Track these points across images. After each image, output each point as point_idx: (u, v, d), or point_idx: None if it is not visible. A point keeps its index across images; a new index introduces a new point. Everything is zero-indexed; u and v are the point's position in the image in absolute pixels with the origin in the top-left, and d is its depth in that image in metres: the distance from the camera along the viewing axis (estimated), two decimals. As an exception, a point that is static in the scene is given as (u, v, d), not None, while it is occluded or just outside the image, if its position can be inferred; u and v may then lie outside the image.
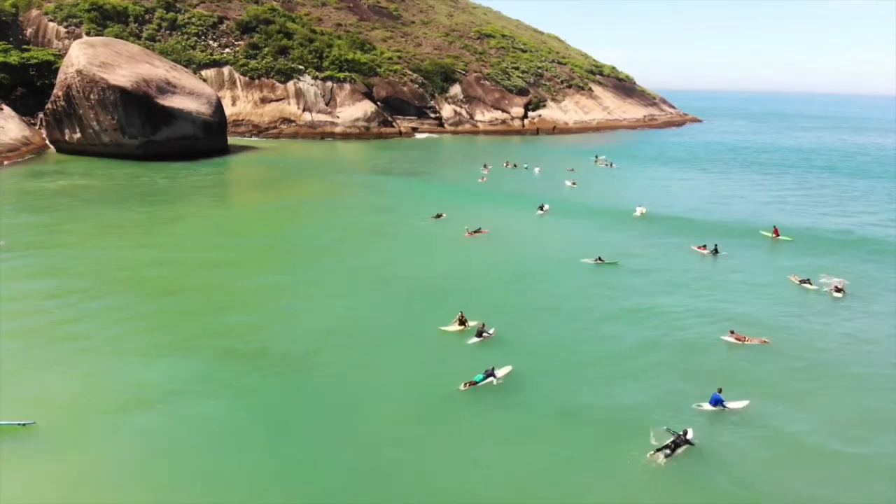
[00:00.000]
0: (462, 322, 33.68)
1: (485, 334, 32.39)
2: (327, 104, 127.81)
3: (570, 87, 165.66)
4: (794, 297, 40.52)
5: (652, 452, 23.02)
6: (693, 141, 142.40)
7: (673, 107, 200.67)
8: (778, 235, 54.41)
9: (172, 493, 20.80)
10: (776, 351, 32.08)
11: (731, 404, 26.12)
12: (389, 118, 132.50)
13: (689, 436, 23.56)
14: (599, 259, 45.68)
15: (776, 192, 77.75)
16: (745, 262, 47.54)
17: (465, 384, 27.52)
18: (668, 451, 22.92)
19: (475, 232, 54.41)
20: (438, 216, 59.13)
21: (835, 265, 46.36)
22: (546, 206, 63.09)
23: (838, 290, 41.05)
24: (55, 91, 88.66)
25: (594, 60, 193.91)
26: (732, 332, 33.09)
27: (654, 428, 24.21)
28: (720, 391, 26.45)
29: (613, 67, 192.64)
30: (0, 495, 20.24)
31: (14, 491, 20.56)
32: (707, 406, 26.19)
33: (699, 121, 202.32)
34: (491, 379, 27.95)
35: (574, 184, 79.68)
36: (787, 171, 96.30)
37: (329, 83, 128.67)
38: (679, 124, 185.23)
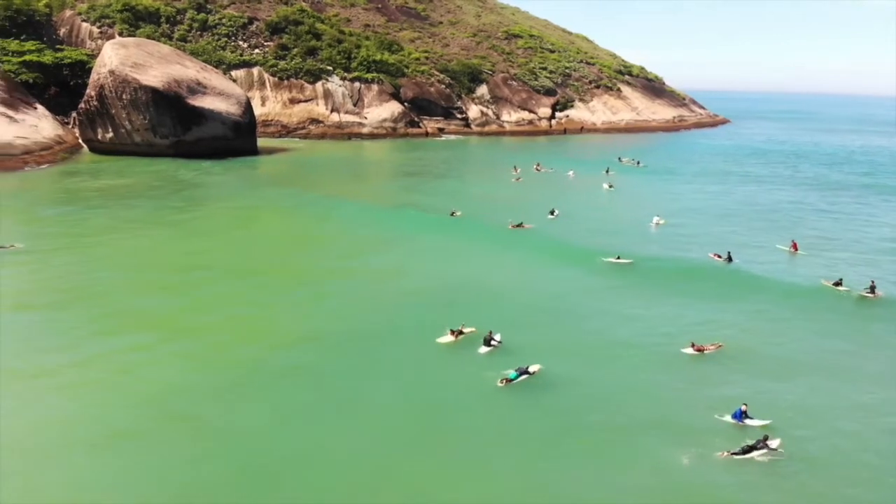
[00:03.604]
0: (456, 333, 32.89)
1: (493, 342, 32.03)
2: (355, 105, 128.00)
3: (598, 87, 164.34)
4: (819, 302, 40.11)
5: (723, 453, 23.65)
6: (725, 144, 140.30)
7: (703, 108, 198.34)
8: (797, 250, 52.16)
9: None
10: (788, 361, 31.81)
11: (750, 422, 25.69)
12: (416, 119, 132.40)
13: (773, 443, 23.87)
14: (618, 258, 47.25)
15: (803, 206, 72.81)
16: (763, 271, 46.78)
17: (502, 381, 28.25)
18: (739, 453, 23.56)
19: (517, 226, 56.78)
20: (453, 214, 60.87)
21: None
22: (556, 212, 62.52)
23: (871, 291, 40.77)
24: (88, 91, 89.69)
25: (623, 60, 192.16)
26: (693, 344, 32.45)
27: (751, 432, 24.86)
28: (745, 406, 26.09)
29: (642, 68, 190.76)
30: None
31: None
32: (728, 418, 26.06)
33: (728, 122, 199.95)
34: (525, 376, 28.75)
35: (611, 186, 79.37)
36: (821, 181, 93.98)
37: (357, 84, 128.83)
38: (709, 126, 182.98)
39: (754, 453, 23.54)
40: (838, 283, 42.09)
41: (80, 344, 31.27)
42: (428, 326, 33.58)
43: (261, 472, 21.98)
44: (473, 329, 33.24)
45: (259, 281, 41.25)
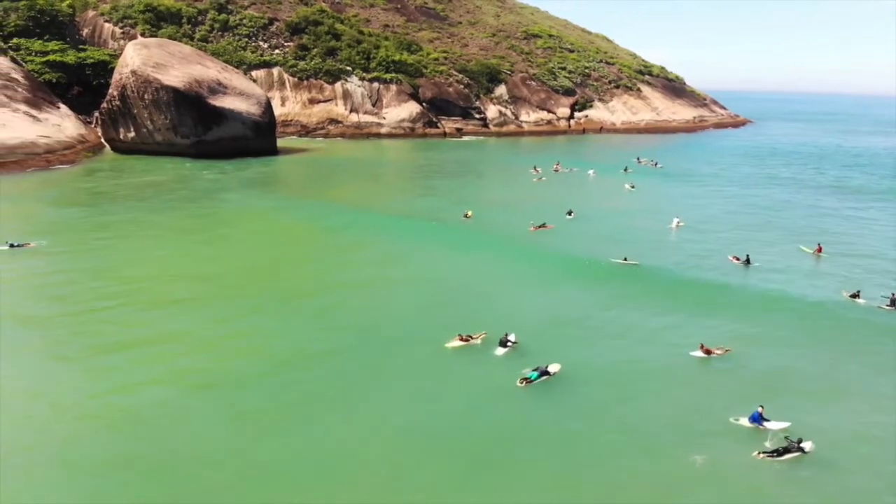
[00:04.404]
0: (466, 338, 32.42)
1: (509, 344, 31.91)
2: (374, 105, 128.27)
3: (617, 87, 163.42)
4: (836, 314, 39.02)
5: (758, 453, 23.74)
6: (746, 145, 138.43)
7: (723, 108, 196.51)
8: (821, 252, 51.47)
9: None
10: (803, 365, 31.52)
11: (769, 424, 25.46)
12: (434, 119, 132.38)
13: (805, 445, 23.90)
14: (625, 259, 46.84)
15: (826, 210, 70.70)
16: (780, 275, 46.08)
17: (522, 380, 28.36)
18: (774, 454, 23.68)
19: (540, 227, 56.68)
20: (466, 216, 60.13)
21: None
22: (573, 213, 62.17)
23: (892, 304, 39.72)
24: (110, 91, 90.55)
25: (643, 60, 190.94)
26: (702, 346, 32.15)
27: (773, 434, 24.81)
28: (762, 408, 25.84)
29: (663, 67, 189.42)
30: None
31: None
32: (744, 421, 25.80)
33: (750, 122, 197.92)
34: (546, 376, 28.79)
35: (633, 187, 79.08)
36: (845, 184, 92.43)
37: (376, 84, 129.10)
38: (730, 126, 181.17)
39: (788, 455, 23.58)
40: (855, 295, 40.99)
41: (78, 357, 30.25)
42: (442, 332, 33.18)
43: (278, 477, 22.03)
44: (484, 333, 32.89)
45: (270, 291, 40.16)
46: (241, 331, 33.84)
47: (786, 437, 24.20)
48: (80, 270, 42.38)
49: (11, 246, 45.63)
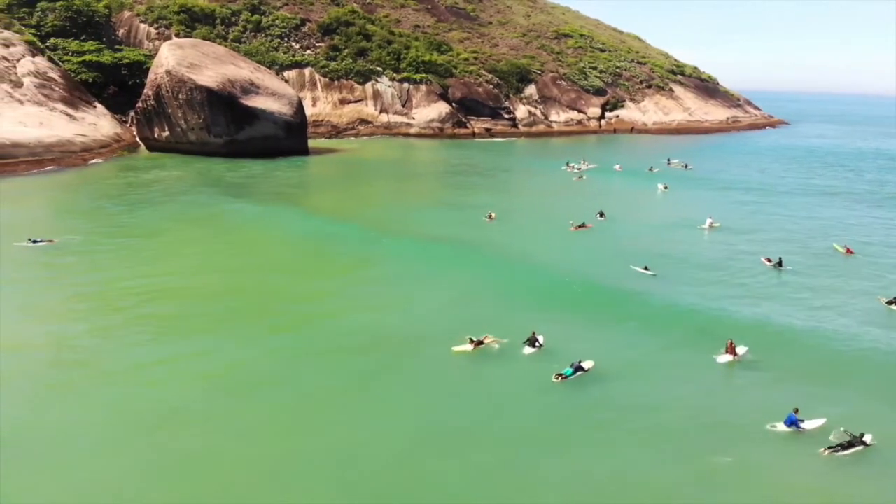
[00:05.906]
0: (476, 342, 31.69)
1: (537, 344, 31.79)
2: (403, 105, 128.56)
3: (649, 87, 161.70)
4: (870, 319, 37.96)
5: (824, 449, 23.90)
6: (779, 147, 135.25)
7: (758, 108, 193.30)
8: (851, 253, 50.96)
9: None
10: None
11: (806, 425, 25.16)
12: (463, 119, 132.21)
13: (867, 438, 24.03)
14: (646, 268, 45.36)
15: (863, 215, 68.78)
16: (812, 280, 45.13)
17: (557, 376, 28.71)
18: (838, 449, 23.85)
19: (580, 227, 56.98)
20: (490, 217, 59.83)
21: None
22: (605, 214, 61.53)
23: None
24: (145, 90, 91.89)
25: (675, 60, 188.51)
26: (731, 342, 31.51)
27: (835, 429, 24.74)
28: (796, 411, 25.37)
29: (696, 67, 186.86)
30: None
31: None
32: (781, 426, 25.31)
33: (785, 123, 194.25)
34: (580, 372, 29.08)
35: (666, 188, 78.40)
36: (883, 190, 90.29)
37: (406, 84, 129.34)
38: (765, 127, 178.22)
39: (852, 449, 23.74)
40: (892, 302, 39.71)
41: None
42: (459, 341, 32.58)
43: (297, 476, 22.24)
44: (499, 340, 32.34)
45: (275, 304, 38.33)
46: (250, 345, 32.49)
47: (844, 431, 24.21)
48: (85, 274, 41.90)
49: (33, 242, 45.92)
